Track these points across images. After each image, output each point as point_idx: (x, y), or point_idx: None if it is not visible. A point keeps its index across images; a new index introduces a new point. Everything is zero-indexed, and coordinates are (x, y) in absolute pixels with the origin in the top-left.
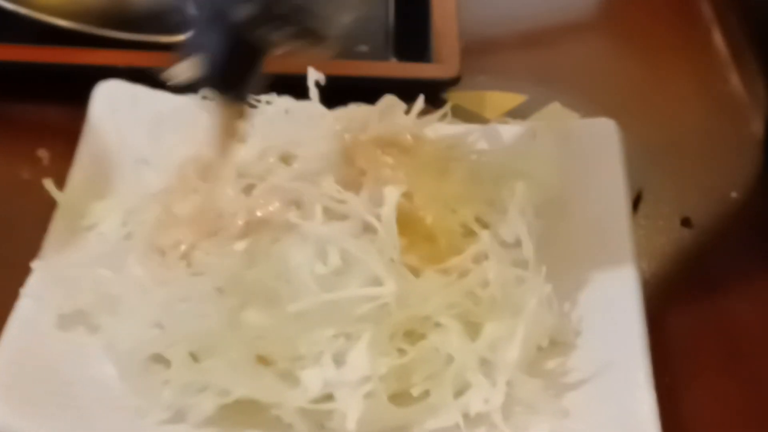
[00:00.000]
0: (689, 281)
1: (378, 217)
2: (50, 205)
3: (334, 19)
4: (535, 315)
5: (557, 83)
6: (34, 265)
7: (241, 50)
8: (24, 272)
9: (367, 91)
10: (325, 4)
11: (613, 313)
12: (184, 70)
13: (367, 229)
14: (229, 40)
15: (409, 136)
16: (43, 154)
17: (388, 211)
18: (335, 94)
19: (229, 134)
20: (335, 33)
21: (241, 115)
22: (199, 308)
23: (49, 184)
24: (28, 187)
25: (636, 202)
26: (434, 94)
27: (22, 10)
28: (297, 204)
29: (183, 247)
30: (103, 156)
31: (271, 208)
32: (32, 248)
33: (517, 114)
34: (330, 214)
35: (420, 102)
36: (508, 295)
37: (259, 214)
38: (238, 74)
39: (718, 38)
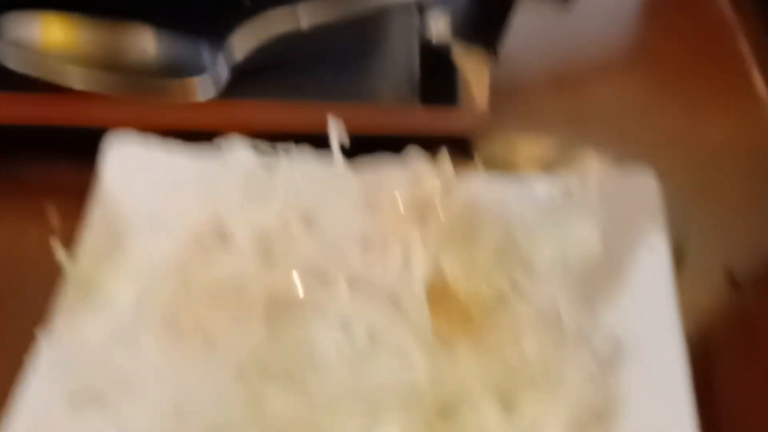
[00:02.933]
0: (738, 344)
1: (407, 291)
2: (60, 267)
3: None
4: (576, 390)
5: (591, 128)
6: (42, 339)
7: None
8: (31, 345)
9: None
10: None
11: (658, 383)
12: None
13: (396, 302)
14: None
15: (438, 201)
16: (51, 213)
17: (418, 283)
18: (358, 141)
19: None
20: None
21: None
22: (218, 392)
23: (58, 250)
24: (36, 250)
25: (678, 259)
26: (463, 141)
27: (33, 74)
28: (320, 277)
29: (200, 324)
30: (115, 217)
31: (293, 286)
32: (40, 317)
33: (549, 161)
34: (356, 287)
35: (448, 165)
36: (547, 369)
37: (281, 291)
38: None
39: (758, 80)
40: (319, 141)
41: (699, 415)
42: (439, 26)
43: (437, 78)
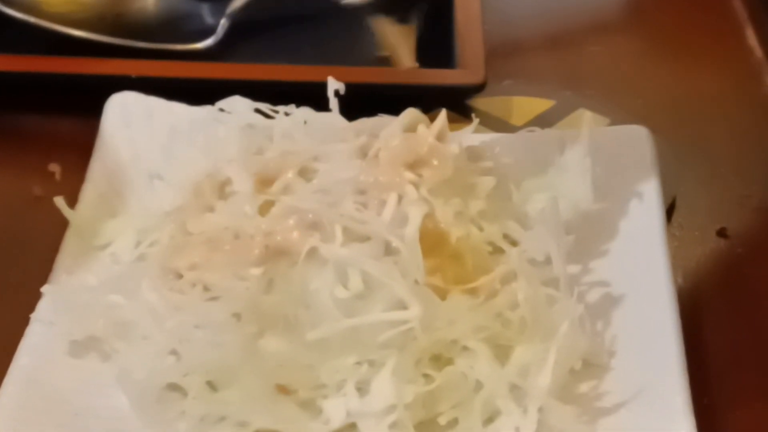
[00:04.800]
0: (727, 295)
1: (401, 238)
2: (62, 221)
3: None
4: (567, 338)
5: (585, 87)
6: (45, 288)
7: None
8: (35, 295)
9: (389, 99)
10: None
11: (648, 332)
12: None
13: (390, 250)
14: None
15: (432, 151)
16: (54, 168)
17: (412, 231)
18: (356, 102)
19: (400, 53)
20: None
21: (408, 34)
22: (215, 336)
23: (60, 202)
24: (40, 203)
25: (669, 212)
26: (459, 100)
27: (32, 20)
28: (316, 225)
29: (198, 270)
30: (116, 171)
31: (289, 234)
32: (44, 269)
33: (544, 119)
34: (351, 235)
35: (443, 117)
36: (538, 316)
37: (277, 238)
38: None
39: (752, 38)
40: (317, 100)
41: (688, 363)
42: None
43: (434, 40)
